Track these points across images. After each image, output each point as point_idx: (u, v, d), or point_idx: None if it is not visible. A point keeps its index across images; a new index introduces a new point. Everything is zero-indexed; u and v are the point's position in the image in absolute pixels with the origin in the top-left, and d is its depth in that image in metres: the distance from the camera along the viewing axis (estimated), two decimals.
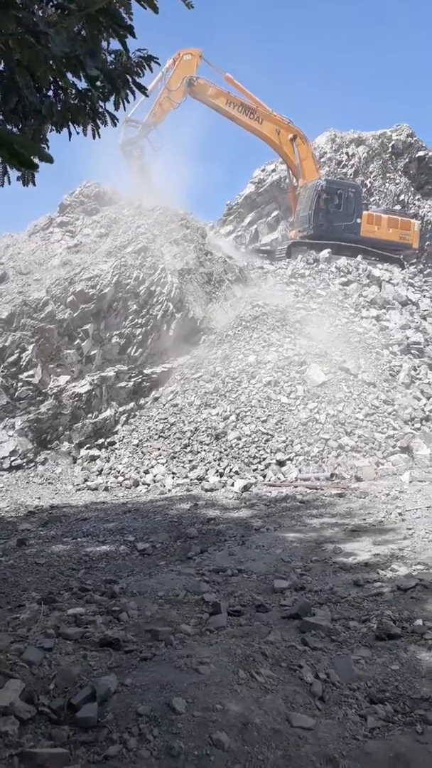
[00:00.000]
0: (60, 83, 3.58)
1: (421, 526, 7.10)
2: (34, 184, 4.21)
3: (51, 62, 2.84)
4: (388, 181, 30.01)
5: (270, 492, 9.95)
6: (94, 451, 13.25)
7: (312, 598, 4.92)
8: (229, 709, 2.93)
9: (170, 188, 19.74)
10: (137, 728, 2.78)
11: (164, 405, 13.45)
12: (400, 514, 7.89)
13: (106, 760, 2.61)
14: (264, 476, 10.78)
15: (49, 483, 12.12)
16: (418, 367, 14.79)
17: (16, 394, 13.43)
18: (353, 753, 2.81)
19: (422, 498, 8.79)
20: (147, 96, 5.53)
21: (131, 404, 14.29)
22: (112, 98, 3.95)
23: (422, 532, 6.81)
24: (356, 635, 4.09)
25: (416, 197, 30.74)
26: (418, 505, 8.32)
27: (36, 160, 2.26)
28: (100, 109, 4.02)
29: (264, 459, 11.12)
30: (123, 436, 13.42)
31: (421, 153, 31.04)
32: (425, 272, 27.98)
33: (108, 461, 12.70)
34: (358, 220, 21.92)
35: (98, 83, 3.44)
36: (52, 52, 2.65)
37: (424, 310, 18.22)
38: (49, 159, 2.32)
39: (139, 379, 14.58)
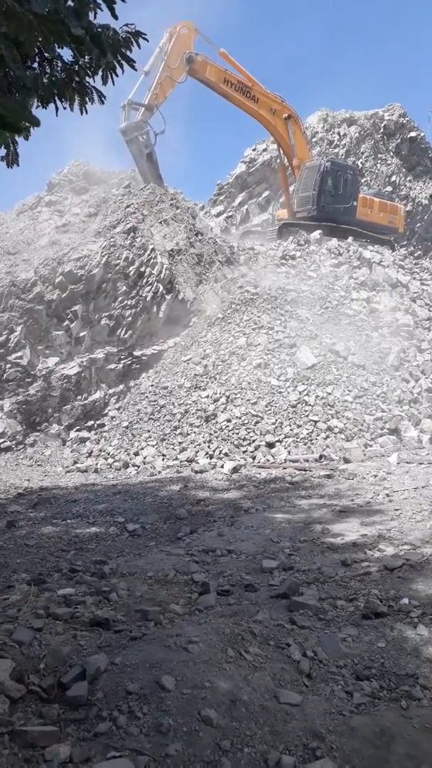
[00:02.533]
0: (46, 55, 3.49)
1: (408, 507, 7.17)
2: (18, 165, 4.09)
3: (35, 27, 2.73)
4: (379, 161, 29.80)
5: (259, 473, 10.01)
6: (84, 433, 13.24)
7: (300, 577, 4.97)
8: (218, 686, 2.97)
9: (169, 169, 19.17)
10: (127, 706, 2.81)
11: (154, 387, 13.41)
12: (387, 495, 7.96)
13: (96, 738, 2.64)
14: (254, 458, 10.84)
15: (38, 465, 12.11)
16: (407, 349, 14.83)
17: (5, 375, 13.34)
18: (339, 728, 2.87)
19: (409, 479, 8.87)
20: (135, 70, 5.37)
21: (121, 386, 14.24)
22: (100, 72, 3.85)
23: (409, 513, 6.88)
24: (343, 614, 4.14)
25: (407, 179, 30.57)
26: (406, 486, 8.40)
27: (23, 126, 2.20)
28: (88, 84, 3.92)
29: (254, 441, 11.16)
30: (113, 418, 13.40)
31: (413, 134, 30.82)
32: (415, 254, 27.97)
33: (98, 443, 12.71)
34: (355, 203, 21.88)
35: (86, 54, 3.34)
36: (34, 11, 2.56)
37: (414, 293, 18.21)
38: (35, 122, 2.25)
39: (129, 361, 14.50)
